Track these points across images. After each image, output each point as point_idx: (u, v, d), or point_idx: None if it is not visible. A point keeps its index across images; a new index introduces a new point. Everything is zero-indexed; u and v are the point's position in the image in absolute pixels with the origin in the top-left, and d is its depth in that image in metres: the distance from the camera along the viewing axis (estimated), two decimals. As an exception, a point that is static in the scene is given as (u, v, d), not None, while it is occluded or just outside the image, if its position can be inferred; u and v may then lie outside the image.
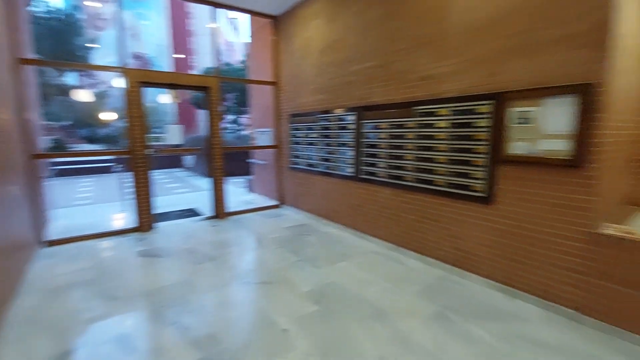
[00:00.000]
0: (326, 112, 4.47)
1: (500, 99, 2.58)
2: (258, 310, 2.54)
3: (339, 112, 4.25)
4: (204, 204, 5.85)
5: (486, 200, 2.74)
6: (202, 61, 27.13)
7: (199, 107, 18.88)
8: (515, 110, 2.51)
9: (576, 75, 2.19)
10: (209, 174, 5.12)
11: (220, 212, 5.12)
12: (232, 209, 5.34)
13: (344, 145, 4.22)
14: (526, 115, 2.46)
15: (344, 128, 4.20)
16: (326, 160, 4.57)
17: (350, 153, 4.13)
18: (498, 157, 2.63)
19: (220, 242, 4.07)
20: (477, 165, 2.78)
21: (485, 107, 2.69)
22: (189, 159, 14.14)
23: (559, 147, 2.30)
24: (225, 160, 5.07)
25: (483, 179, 2.75)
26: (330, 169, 4.50)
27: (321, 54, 4.49)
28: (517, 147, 2.52)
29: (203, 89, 4.89)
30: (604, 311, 2.18)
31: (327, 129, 4.50)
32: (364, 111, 3.86)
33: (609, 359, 1.95)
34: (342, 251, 3.69)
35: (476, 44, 2.72)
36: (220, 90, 4.91)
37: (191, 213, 5.48)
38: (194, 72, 24.94)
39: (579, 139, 2.20)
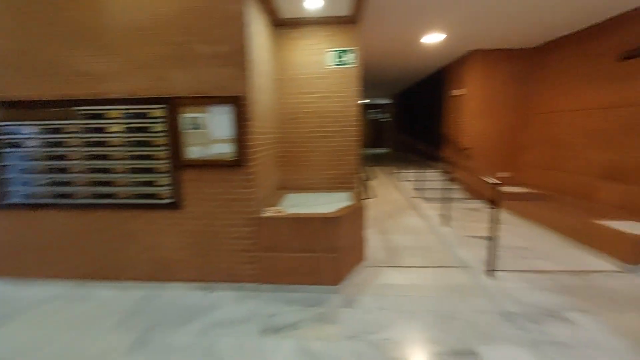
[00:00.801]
0: None
1: (172, 104, 2.62)
2: None
3: (-52, 110, 2.78)
4: None
5: (175, 205, 2.74)
6: None
7: None
8: (187, 116, 2.63)
9: (228, 88, 2.58)
10: None
11: None
12: None
13: (-32, 159, 2.83)
14: (196, 121, 2.64)
15: (-37, 134, 2.80)
16: (-64, 184, 2.90)
17: (-17, 170, 2.84)
18: (178, 162, 2.68)
19: None
20: (161, 172, 2.71)
21: (158, 111, 2.64)
22: None
23: (226, 150, 2.66)
24: None
25: (168, 184, 2.72)
26: (-51, 198, 2.91)
27: None
28: (193, 151, 2.67)
29: None
30: (270, 275, 2.79)
31: None
32: (2, 109, 2.74)
33: (281, 309, 2.52)
34: (-13, 316, 2.51)
35: (140, 46, 2.57)
36: None
37: None
38: None
39: (239, 142, 2.63)
